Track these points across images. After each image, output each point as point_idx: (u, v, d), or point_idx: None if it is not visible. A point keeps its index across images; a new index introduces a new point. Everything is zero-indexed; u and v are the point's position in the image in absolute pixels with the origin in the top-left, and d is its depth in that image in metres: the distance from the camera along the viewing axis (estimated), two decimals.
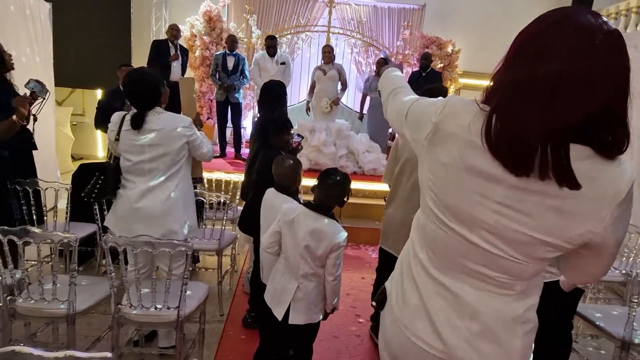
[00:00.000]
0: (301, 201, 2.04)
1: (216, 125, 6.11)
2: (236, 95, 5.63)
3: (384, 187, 3.55)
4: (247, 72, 5.67)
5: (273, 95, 2.86)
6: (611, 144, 0.76)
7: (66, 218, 2.94)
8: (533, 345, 0.98)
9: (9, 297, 1.93)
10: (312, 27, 7.11)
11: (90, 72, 6.27)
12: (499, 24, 6.86)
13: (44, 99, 2.59)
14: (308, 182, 3.06)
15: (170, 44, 5.50)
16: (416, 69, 6.34)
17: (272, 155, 2.29)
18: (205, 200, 2.92)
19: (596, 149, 0.76)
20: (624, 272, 2.73)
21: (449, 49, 6.86)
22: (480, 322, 0.91)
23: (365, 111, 5.98)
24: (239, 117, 5.83)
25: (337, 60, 5.61)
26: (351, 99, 7.23)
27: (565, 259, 0.91)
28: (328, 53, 5.34)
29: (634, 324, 2.02)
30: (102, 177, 2.21)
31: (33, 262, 2.87)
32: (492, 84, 0.87)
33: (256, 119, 3.84)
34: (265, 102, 2.89)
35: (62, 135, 5.97)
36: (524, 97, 0.78)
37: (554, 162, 0.75)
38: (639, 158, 3.68)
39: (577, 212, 0.79)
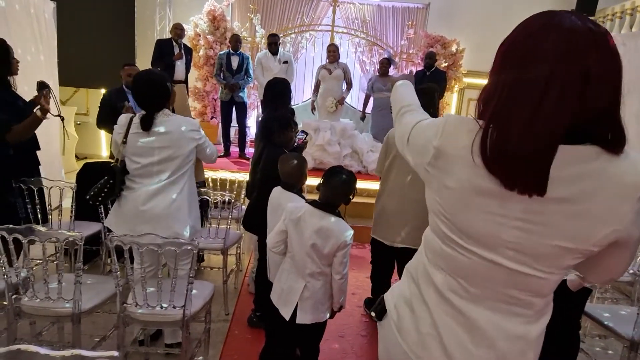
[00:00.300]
0: (306, 199, 2.03)
1: (220, 124, 6.10)
2: (241, 94, 5.63)
3: None
4: (251, 71, 5.66)
5: (276, 93, 2.85)
6: (613, 141, 0.75)
7: (71, 217, 2.94)
8: None
9: (14, 296, 1.93)
10: (316, 26, 7.09)
11: (94, 71, 6.27)
12: (504, 23, 6.80)
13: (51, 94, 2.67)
14: (313, 181, 3.06)
15: (174, 43, 5.50)
16: (420, 68, 6.32)
17: (276, 154, 2.28)
18: (210, 200, 2.91)
19: (603, 147, 0.75)
20: (631, 271, 2.72)
21: (454, 48, 6.84)
22: (495, 351, 0.88)
23: (369, 111, 5.96)
24: (244, 117, 5.83)
25: (341, 60, 5.59)
26: (355, 98, 7.22)
27: (587, 261, 0.88)
28: (333, 52, 5.31)
29: None
30: (110, 181, 2.18)
31: (38, 261, 2.88)
32: (483, 95, 0.84)
33: (260, 118, 3.83)
34: (269, 100, 2.87)
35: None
36: (513, 105, 0.76)
37: (535, 168, 0.74)
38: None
39: (597, 214, 0.77)
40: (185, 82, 5.68)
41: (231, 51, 5.60)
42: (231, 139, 6.10)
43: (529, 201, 0.78)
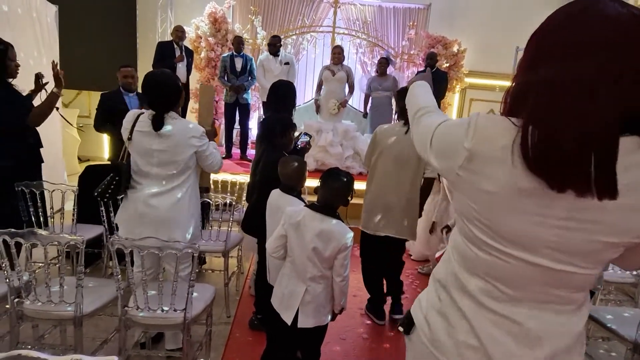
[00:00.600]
0: (305, 201, 2.03)
1: (223, 126, 6.12)
2: (245, 96, 5.66)
3: None
4: (255, 73, 5.68)
5: (280, 95, 2.82)
6: None
7: (73, 220, 2.95)
8: None
9: (16, 300, 1.93)
10: (317, 27, 7.10)
11: (97, 74, 6.29)
12: (505, 23, 6.83)
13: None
14: (315, 182, 3.05)
15: (176, 46, 5.52)
16: (421, 68, 6.32)
17: (275, 157, 2.28)
18: (211, 202, 2.92)
19: None
20: (635, 273, 2.70)
21: (455, 48, 6.83)
22: (542, 350, 0.86)
23: (368, 110, 6.00)
24: (246, 118, 5.85)
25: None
26: (356, 99, 7.22)
27: (625, 251, 0.83)
28: (338, 54, 5.29)
29: None
30: (116, 178, 2.19)
31: (40, 264, 2.89)
32: (514, 90, 0.80)
33: (261, 120, 3.82)
34: (273, 102, 2.86)
35: (68, 137, 6.00)
36: (557, 102, 0.71)
37: (597, 172, 0.69)
38: None
39: None
40: (187, 84, 5.70)
41: (234, 53, 5.61)
42: (232, 140, 6.11)
43: (574, 199, 0.74)
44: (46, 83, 2.87)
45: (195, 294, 2.01)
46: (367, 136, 5.83)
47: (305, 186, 3.13)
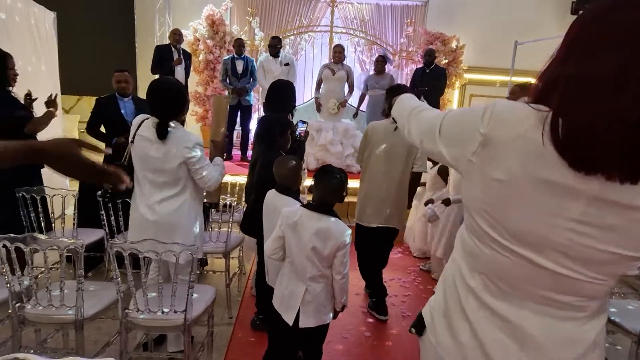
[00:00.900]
0: (303, 201, 2.02)
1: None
2: (247, 97, 5.68)
3: None
4: (256, 75, 5.70)
5: (279, 95, 2.79)
6: None
7: (74, 224, 2.96)
8: None
9: (17, 304, 1.94)
10: (314, 27, 7.10)
11: (96, 79, 6.31)
12: (503, 19, 6.80)
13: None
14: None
15: (173, 49, 5.53)
16: (420, 65, 6.30)
17: (271, 157, 2.27)
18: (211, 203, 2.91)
19: None
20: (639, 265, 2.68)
21: (453, 44, 6.81)
22: (547, 357, 0.82)
23: (362, 108, 6.00)
24: (248, 120, 5.89)
25: None
26: (356, 98, 7.21)
27: None
28: (339, 53, 5.28)
29: None
30: None
31: (41, 269, 2.90)
32: (544, 80, 0.77)
33: (259, 119, 3.81)
34: (272, 102, 2.83)
35: None
36: (589, 92, 0.69)
37: (631, 153, 0.66)
38: None
39: None
40: (185, 87, 5.71)
41: (235, 55, 5.63)
42: (233, 142, 6.13)
43: (594, 201, 0.71)
44: (35, 99, 3.00)
45: (195, 295, 2.01)
46: None
47: (305, 186, 3.15)
